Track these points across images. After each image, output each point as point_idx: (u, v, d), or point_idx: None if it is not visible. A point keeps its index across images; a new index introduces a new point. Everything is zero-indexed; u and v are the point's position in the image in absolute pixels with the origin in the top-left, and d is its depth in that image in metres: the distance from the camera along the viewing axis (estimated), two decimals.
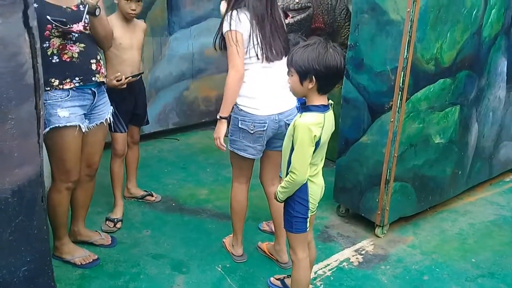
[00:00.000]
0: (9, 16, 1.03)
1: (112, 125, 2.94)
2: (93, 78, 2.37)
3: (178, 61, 4.53)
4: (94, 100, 2.42)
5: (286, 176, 2.00)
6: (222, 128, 2.40)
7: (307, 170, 1.95)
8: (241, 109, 2.39)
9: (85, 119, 2.42)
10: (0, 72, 1.04)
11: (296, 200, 2.02)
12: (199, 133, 4.77)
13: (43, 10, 2.16)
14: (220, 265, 2.67)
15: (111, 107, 2.60)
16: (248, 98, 2.37)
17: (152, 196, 3.37)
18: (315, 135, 1.89)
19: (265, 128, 2.38)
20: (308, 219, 2.05)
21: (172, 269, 2.63)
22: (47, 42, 2.22)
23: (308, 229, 2.08)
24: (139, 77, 2.97)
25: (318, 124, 1.91)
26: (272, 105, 2.38)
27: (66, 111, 2.30)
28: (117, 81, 2.74)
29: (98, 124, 2.49)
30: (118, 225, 3.00)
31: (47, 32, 2.20)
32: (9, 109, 1.07)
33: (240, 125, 2.40)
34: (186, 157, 4.18)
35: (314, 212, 2.11)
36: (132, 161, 3.29)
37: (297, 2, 3.65)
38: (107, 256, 2.71)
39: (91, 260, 2.62)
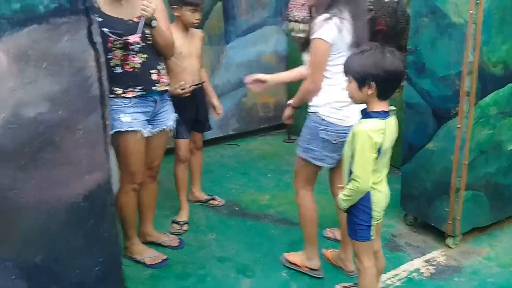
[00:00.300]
0: (74, 33, 1.11)
1: (175, 131, 3.05)
2: (154, 88, 2.47)
3: (236, 69, 4.61)
4: (156, 107, 2.53)
5: (348, 184, 1.99)
6: (288, 111, 2.57)
7: (370, 178, 1.94)
8: (324, 119, 2.32)
9: (149, 124, 2.53)
10: (67, 86, 1.12)
11: (359, 208, 2.00)
12: (258, 139, 4.83)
13: (105, 23, 2.30)
14: (285, 271, 2.69)
15: (175, 114, 2.70)
16: (333, 108, 2.31)
17: (216, 200, 3.46)
18: (375, 142, 1.88)
19: (347, 138, 2.33)
20: (372, 227, 2.03)
21: (237, 272, 2.68)
22: (110, 54, 2.34)
23: (373, 238, 2.05)
24: (201, 85, 3.07)
25: (379, 131, 1.89)
26: (354, 115, 2.33)
27: (128, 116, 2.41)
28: (181, 89, 2.85)
29: (161, 130, 2.60)
30: (185, 227, 3.10)
31: (109, 44, 2.32)
32: (78, 120, 1.14)
33: (321, 135, 2.34)
34: (247, 163, 4.25)
35: (380, 221, 2.09)
36: (195, 166, 3.39)
37: None
38: (175, 257, 2.81)
39: (160, 260, 2.72)
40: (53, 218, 1.07)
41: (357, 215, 2.03)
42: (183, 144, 3.13)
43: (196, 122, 3.20)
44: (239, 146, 4.65)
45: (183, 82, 2.85)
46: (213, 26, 4.42)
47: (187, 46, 2.98)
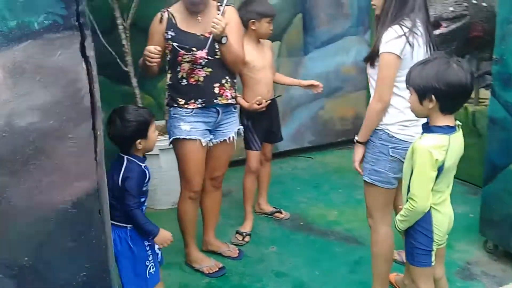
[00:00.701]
0: (68, 47, 1.16)
1: (247, 142, 3.08)
2: (215, 101, 2.50)
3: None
4: (218, 118, 2.56)
5: (405, 203, 1.84)
6: (358, 151, 2.23)
7: (429, 198, 1.77)
8: (393, 136, 2.13)
9: (210, 134, 2.56)
10: (60, 97, 1.17)
11: (418, 230, 1.84)
12: (334, 152, 4.70)
13: (176, 38, 2.38)
14: None
15: (239, 127, 2.72)
16: (402, 126, 2.12)
17: (281, 213, 3.41)
18: (436, 159, 1.71)
19: (407, 154, 2.16)
20: (433, 252, 1.85)
21: None
22: (179, 67, 2.43)
23: (433, 263, 1.87)
24: (275, 98, 3.08)
25: (441, 147, 1.73)
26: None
27: (188, 125, 2.47)
28: (258, 104, 2.87)
29: (222, 141, 2.62)
30: (247, 238, 3.09)
31: (179, 57, 2.40)
32: (69, 130, 1.19)
33: (391, 153, 2.14)
34: (319, 176, 4.15)
35: (442, 245, 1.90)
36: (264, 178, 3.38)
37: (451, 11, 3.40)
38: (233, 267, 2.81)
39: (217, 269, 2.73)
40: (41, 222, 1.13)
41: (416, 238, 1.87)
42: (254, 155, 3.13)
43: (269, 133, 3.19)
44: (313, 159, 4.56)
45: (259, 98, 2.89)
46: (292, 38, 4.42)
47: (260, 58, 2.99)
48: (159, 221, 2.57)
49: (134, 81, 3.38)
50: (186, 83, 2.46)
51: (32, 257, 1.14)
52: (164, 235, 2.10)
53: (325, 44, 4.57)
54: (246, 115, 3.05)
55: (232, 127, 2.67)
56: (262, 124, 3.09)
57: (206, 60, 2.43)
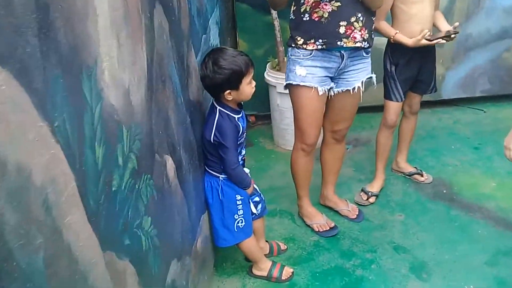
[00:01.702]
0: None
1: (386, 91, 2.63)
2: (338, 43, 2.09)
3: (501, 15, 3.62)
4: (342, 64, 2.16)
5: None
6: None
7: None
8: None
9: (332, 82, 2.21)
10: None
11: None
12: None
13: None
14: (471, 286, 2.10)
15: (369, 76, 2.28)
16: None
17: (422, 176, 2.92)
18: None
19: None
20: None
21: (410, 270, 2.23)
22: None
23: None
24: (452, 37, 2.37)
25: None
26: None
27: (303, 69, 2.14)
28: (427, 39, 2.32)
29: (345, 90, 2.24)
30: (371, 199, 2.74)
31: None
32: None
33: None
34: (486, 135, 3.42)
35: None
36: (405, 133, 2.90)
37: None
38: (347, 230, 2.53)
39: (328, 228, 2.50)
40: None
41: None
42: (394, 107, 2.66)
43: (416, 82, 2.67)
44: (484, 112, 3.77)
45: (426, 31, 2.33)
46: None
47: None
48: (287, 162, 2.43)
49: (274, 12, 3.12)
50: (308, 18, 2.11)
51: None
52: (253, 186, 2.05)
53: None
54: (392, 59, 2.57)
55: (360, 76, 2.25)
56: (408, 70, 2.57)
57: None
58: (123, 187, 0.98)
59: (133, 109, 1.06)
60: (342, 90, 2.26)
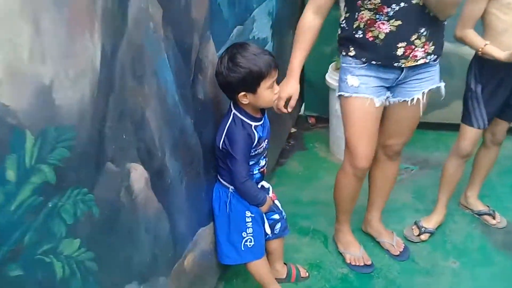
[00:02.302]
0: None
1: (466, 113, 2.18)
2: (395, 64, 1.75)
3: None
4: (402, 75, 1.80)
5: None
6: None
7: None
8: None
9: (388, 91, 1.86)
10: None
11: None
12: None
13: None
14: None
15: (434, 86, 1.89)
16: None
17: (494, 218, 2.43)
18: None
19: None
20: None
21: None
22: (357, 13, 1.74)
23: None
24: None
25: None
26: None
27: (356, 79, 1.81)
28: None
29: (402, 101, 1.88)
30: (424, 236, 2.34)
31: (359, 1, 1.71)
32: None
33: None
34: None
35: None
36: (482, 165, 2.42)
37: None
38: (385, 268, 2.18)
39: (362, 264, 2.17)
40: None
41: None
42: (472, 134, 2.19)
43: (506, 107, 2.19)
44: None
45: None
46: None
47: None
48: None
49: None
50: (361, 36, 1.77)
51: None
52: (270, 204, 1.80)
53: None
54: (478, 77, 2.11)
55: (422, 85, 1.87)
56: (499, 93, 2.10)
57: (397, 10, 1.68)
58: (12, 208, 0.79)
59: (58, 109, 0.87)
60: (398, 101, 1.90)
